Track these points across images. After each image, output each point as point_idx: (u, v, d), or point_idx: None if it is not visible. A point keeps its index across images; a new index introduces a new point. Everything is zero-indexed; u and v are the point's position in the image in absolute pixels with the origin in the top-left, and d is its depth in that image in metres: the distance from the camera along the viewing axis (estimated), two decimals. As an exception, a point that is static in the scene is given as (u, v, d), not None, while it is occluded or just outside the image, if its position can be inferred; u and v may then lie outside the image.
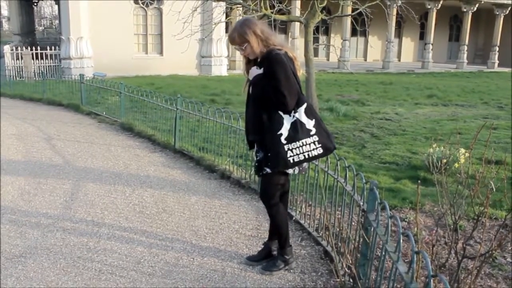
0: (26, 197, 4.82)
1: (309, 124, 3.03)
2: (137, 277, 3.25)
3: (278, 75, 2.92)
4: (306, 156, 3.02)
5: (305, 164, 3.23)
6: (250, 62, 3.17)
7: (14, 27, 24.50)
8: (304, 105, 3.03)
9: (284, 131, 2.98)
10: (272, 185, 3.22)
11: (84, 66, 17.55)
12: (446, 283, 1.72)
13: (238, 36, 3.05)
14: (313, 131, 3.03)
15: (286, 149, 2.97)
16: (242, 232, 4.02)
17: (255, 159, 3.31)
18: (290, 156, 2.99)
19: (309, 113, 3.04)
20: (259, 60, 3.10)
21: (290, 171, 3.17)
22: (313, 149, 3.03)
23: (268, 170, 3.11)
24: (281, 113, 2.99)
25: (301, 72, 3.18)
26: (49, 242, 3.77)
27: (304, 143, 3.00)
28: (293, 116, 3.00)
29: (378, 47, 28.31)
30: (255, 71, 3.07)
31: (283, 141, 2.97)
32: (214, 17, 12.90)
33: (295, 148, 2.99)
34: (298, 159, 3.01)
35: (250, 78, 3.12)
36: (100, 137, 7.81)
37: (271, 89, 2.94)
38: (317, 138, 3.03)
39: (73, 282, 3.16)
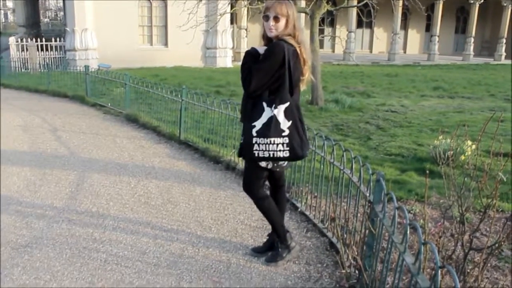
0: (32, 188, 4.84)
1: (285, 124, 2.96)
2: (143, 267, 3.25)
3: (265, 61, 2.91)
4: (271, 155, 2.97)
5: (284, 163, 3.17)
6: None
7: (19, 19, 24.51)
8: (286, 104, 2.96)
9: (258, 124, 2.96)
10: (252, 175, 3.20)
11: (89, 57, 17.56)
12: (454, 274, 1.70)
13: (283, 7, 2.93)
14: (286, 132, 2.96)
15: (253, 142, 2.96)
16: (247, 223, 4.01)
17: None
18: (256, 150, 2.97)
19: (289, 113, 2.97)
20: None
21: (263, 164, 3.08)
22: (280, 150, 2.97)
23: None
24: (264, 104, 2.95)
25: (306, 76, 3.08)
26: (54, 232, 3.78)
27: (272, 142, 2.95)
28: (272, 111, 2.95)
29: (384, 39, 28.16)
30: (259, 50, 3.01)
31: (254, 133, 2.96)
32: (219, 8, 12.85)
33: (262, 144, 2.96)
34: (262, 155, 2.98)
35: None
36: (105, 129, 7.82)
37: (248, 68, 2.94)
38: (287, 141, 2.97)
39: (79, 272, 3.17)
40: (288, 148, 2.98)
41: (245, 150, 3.03)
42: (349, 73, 18.10)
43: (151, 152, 6.38)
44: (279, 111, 2.95)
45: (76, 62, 16.83)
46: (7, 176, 5.20)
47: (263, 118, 2.96)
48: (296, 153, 3.00)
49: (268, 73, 2.90)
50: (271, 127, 2.94)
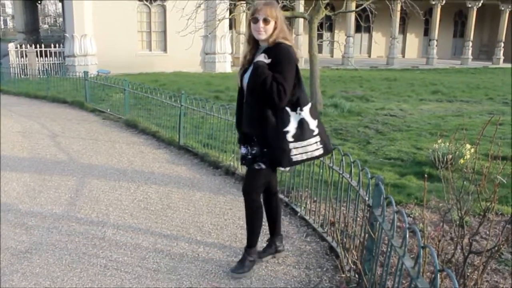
0: (31, 194, 4.84)
1: (313, 124, 3.00)
2: (142, 273, 3.25)
3: (286, 69, 2.89)
4: (309, 156, 3.01)
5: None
6: (252, 49, 3.06)
7: (19, 25, 24.56)
8: (309, 105, 3.01)
9: (291, 129, 2.94)
10: (259, 180, 3.19)
11: (88, 63, 17.58)
12: (453, 278, 1.70)
13: (272, 9, 2.92)
14: (316, 131, 3.01)
15: (291, 147, 2.94)
16: (247, 228, 4.01)
17: (241, 152, 3.25)
18: (294, 155, 2.96)
19: (313, 113, 3.02)
20: (267, 46, 2.97)
21: (281, 168, 3.12)
22: (315, 149, 3.02)
23: (262, 165, 3.07)
24: (288, 109, 2.94)
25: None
26: (54, 238, 3.78)
27: (309, 143, 2.99)
28: (299, 114, 2.97)
29: (382, 43, 28.19)
30: (263, 60, 2.93)
31: (290, 139, 2.94)
32: (218, 13, 12.88)
33: (300, 147, 2.96)
34: (300, 158, 2.99)
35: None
36: (104, 134, 7.82)
37: (274, 81, 2.87)
38: (319, 139, 3.02)
39: (79, 278, 3.17)
40: (321, 146, 3.04)
41: (279, 158, 2.98)
42: (348, 78, 18.13)
43: (150, 157, 6.39)
44: (306, 113, 2.98)
45: (75, 68, 16.86)
46: (6, 182, 5.19)
47: (294, 122, 2.96)
48: (328, 148, 3.08)
49: (292, 80, 2.93)
50: (304, 129, 2.97)
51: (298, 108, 2.97)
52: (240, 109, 3.19)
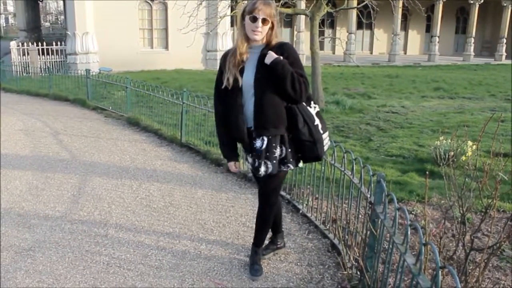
0: (34, 192, 4.85)
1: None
2: (145, 270, 3.26)
3: (302, 67, 2.90)
4: (327, 146, 3.10)
5: None
6: (247, 47, 2.89)
7: (20, 23, 24.59)
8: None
9: (318, 121, 3.00)
10: (282, 181, 3.17)
11: (90, 61, 17.59)
12: (454, 275, 1.71)
13: (272, 9, 2.80)
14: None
15: (323, 138, 3.01)
16: (249, 226, 4.02)
17: (251, 164, 2.99)
18: (325, 145, 3.04)
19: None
20: (271, 47, 2.85)
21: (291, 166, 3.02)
22: (329, 140, 3.13)
23: (291, 166, 2.97)
24: (304, 104, 2.96)
25: None
26: (57, 236, 3.79)
27: (328, 134, 3.10)
28: (315, 107, 3.03)
29: (384, 40, 28.14)
30: (274, 55, 2.81)
31: (321, 131, 2.99)
32: (219, 10, 12.89)
33: (325, 138, 3.04)
34: (326, 148, 3.08)
35: (268, 62, 2.79)
36: (106, 132, 7.84)
37: (301, 78, 2.83)
38: None
39: (81, 275, 3.19)
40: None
41: (321, 151, 2.96)
42: (349, 75, 18.11)
43: (152, 155, 6.40)
44: (316, 106, 3.06)
45: (77, 65, 16.87)
46: (9, 180, 5.21)
47: (316, 115, 3.00)
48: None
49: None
50: (323, 121, 3.06)
51: (312, 102, 3.03)
52: (240, 112, 2.91)
